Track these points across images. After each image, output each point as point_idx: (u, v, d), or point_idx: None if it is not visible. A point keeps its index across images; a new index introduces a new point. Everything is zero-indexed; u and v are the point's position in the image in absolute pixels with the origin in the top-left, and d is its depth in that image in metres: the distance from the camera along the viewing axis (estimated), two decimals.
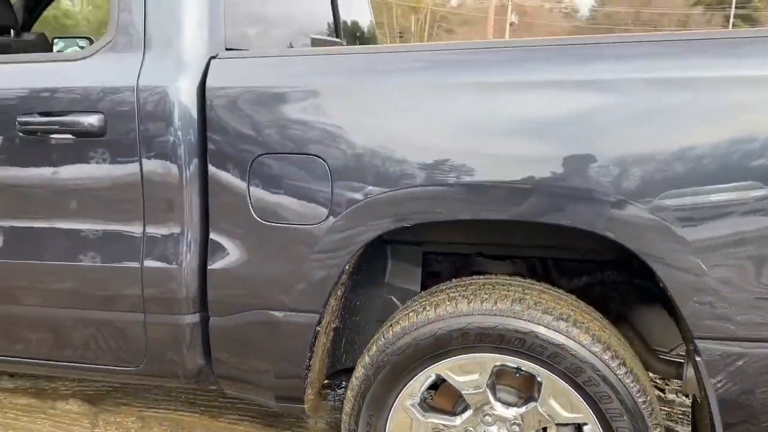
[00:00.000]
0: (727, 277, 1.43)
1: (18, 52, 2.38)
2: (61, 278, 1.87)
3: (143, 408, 2.62)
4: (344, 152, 1.59)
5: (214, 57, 1.72)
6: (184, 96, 1.69)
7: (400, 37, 45.12)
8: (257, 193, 1.66)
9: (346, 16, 2.87)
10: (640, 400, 1.53)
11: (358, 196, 1.58)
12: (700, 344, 1.48)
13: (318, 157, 1.61)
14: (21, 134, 1.78)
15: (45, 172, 1.80)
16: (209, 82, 1.68)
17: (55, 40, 3.77)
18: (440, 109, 1.54)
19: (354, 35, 3.00)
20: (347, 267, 1.66)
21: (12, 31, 2.56)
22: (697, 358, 1.49)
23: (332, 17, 2.71)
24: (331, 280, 1.65)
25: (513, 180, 1.49)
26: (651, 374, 1.96)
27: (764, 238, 1.40)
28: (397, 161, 1.55)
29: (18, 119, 1.77)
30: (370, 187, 1.57)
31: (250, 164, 1.66)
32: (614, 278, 1.90)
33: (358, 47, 2.09)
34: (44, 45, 2.67)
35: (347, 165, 1.59)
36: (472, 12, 48.15)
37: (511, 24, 48.11)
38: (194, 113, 1.69)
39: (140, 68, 1.72)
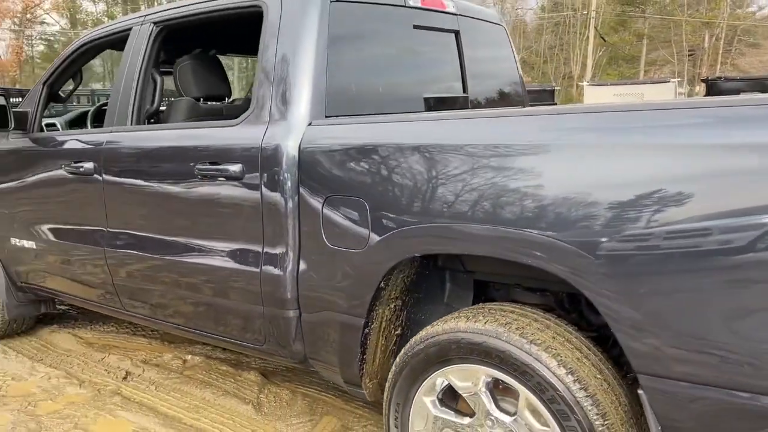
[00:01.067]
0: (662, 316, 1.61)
1: (227, 115, 3.31)
2: (206, 278, 2.69)
3: (299, 386, 3.37)
4: (384, 196, 2.10)
5: (309, 124, 2.36)
6: (289, 152, 2.35)
7: (690, 55, 41.70)
8: (327, 222, 2.25)
9: (482, 69, 3.31)
10: (597, 422, 1.74)
11: (384, 231, 2.08)
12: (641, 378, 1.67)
13: (360, 199, 2.14)
14: (199, 177, 2.62)
15: (210, 204, 2.63)
16: (302, 143, 2.33)
17: None
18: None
19: (494, 87, 3.42)
20: (381, 284, 2.15)
21: (226, 99, 3.52)
22: (639, 391, 1.68)
23: (460, 73, 3.17)
24: (370, 291, 2.16)
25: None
26: None
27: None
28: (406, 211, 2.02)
29: (197, 166, 2.61)
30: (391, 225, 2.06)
31: (323, 202, 2.26)
32: None
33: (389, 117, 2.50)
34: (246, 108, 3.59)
35: (383, 206, 2.09)
36: None
37: None
38: (295, 165, 2.34)
39: (264, 133, 2.43)
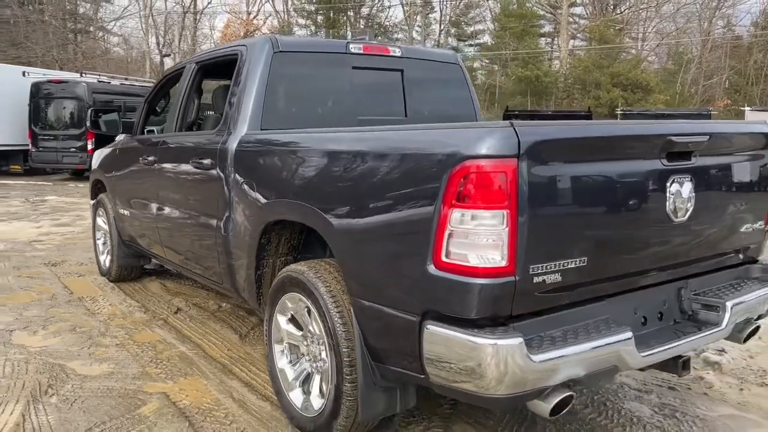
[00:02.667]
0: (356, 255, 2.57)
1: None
2: (196, 235, 3.97)
3: None
4: (262, 180, 3.22)
5: (245, 133, 3.54)
6: (232, 151, 3.54)
7: None
8: (242, 197, 3.42)
9: (427, 98, 4.25)
10: (338, 325, 2.69)
11: (261, 203, 3.21)
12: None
13: (253, 182, 3.28)
14: (193, 168, 3.92)
15: (197, 185, 3.92)
16: (237, 145, 3.52)
17: None
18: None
19: (437, 111, 4.32)
20: (261, 240, 3.26)
21: None
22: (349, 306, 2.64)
23: (403, 101, 4.15)
24: (255, 244, 3.29)
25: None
26: None
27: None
28: (268, 191, 3.13)
29: (191, 160, 3.92)
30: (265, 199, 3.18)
31: (241, 183, 3.42)
32: None
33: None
34: None
35: (262, 188, 3.22)
36: None
37: None
38: (234, 159, 3.54)
39: (225, 138, 3.65)
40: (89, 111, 5.26)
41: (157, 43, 51.00)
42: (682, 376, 2.73)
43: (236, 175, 3.49)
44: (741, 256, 3.05)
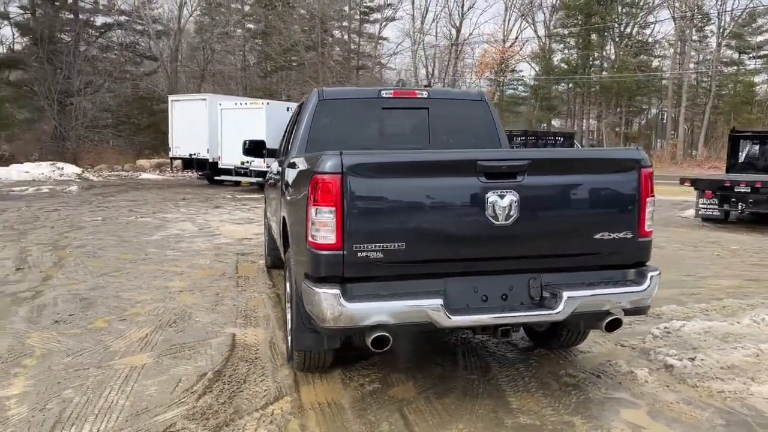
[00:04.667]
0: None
1: None
2: (276, 227, 5.57)
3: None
4: (293, 184, 4.70)
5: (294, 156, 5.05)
6: (285, 167, 5.08)
7: None
8: (284, 198, 4.93)
9: (450, 129, 5.30)
10: (294, 290, 4.04)
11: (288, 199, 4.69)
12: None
13: (298, 189, 4.77)
14: (271, 180, 5.55)
15: (276, 192, 5.53)
16: (287, 165, 5.04)
17: None
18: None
19: (460, 140, 5.31)
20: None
21: None
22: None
23: (427, 132, 5.26)
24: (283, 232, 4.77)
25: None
26: None
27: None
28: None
29: (276, 175, 5.55)
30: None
31: (287, 186, 4.93)
32: None
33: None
34: None
35: (293, 192, 4.70)
36: None
37: None
38: (285, 173, 5.06)
39: (285, 161, 5.20)
40: (243, 141, 7.14)
41: (426, 74, 55.72)
42: (501, 340, 3.48)
43: (283, 184, 5.02)
44: (615, 260, 3.63)
